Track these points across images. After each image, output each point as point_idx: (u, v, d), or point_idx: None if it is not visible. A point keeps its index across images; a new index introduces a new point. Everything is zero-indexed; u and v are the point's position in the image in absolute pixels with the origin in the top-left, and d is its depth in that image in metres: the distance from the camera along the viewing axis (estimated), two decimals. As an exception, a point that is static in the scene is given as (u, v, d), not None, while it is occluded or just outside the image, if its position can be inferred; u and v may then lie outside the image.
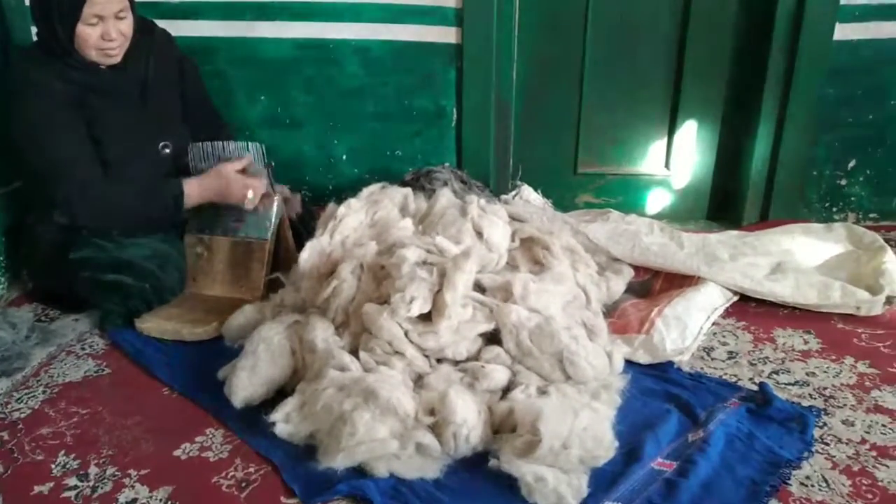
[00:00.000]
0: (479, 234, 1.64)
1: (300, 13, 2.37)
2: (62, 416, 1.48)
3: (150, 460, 1.34)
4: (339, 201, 2.57)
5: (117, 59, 1.83)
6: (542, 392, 1.38)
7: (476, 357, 1.46)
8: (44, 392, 1.57)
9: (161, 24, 2.03)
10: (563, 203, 2.51)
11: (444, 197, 1.77)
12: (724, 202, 2.62)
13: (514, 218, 1.78)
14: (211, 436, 1.41)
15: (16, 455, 1.37)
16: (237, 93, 2.48)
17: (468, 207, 1.69)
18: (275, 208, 1.87)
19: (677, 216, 2.64)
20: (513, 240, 1.71)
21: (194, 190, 1.84)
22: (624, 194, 2.66)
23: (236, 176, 1.84)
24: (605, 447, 1.26)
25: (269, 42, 2.41)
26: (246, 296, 1.87)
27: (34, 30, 1.87)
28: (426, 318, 1.45)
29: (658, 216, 2.63)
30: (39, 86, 1.74)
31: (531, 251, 1.70)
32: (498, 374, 1.40)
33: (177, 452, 1.37)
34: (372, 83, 2.45)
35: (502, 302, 1.51)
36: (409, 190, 1.85)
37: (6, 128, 1.80)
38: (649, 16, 2.43)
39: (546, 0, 2.40)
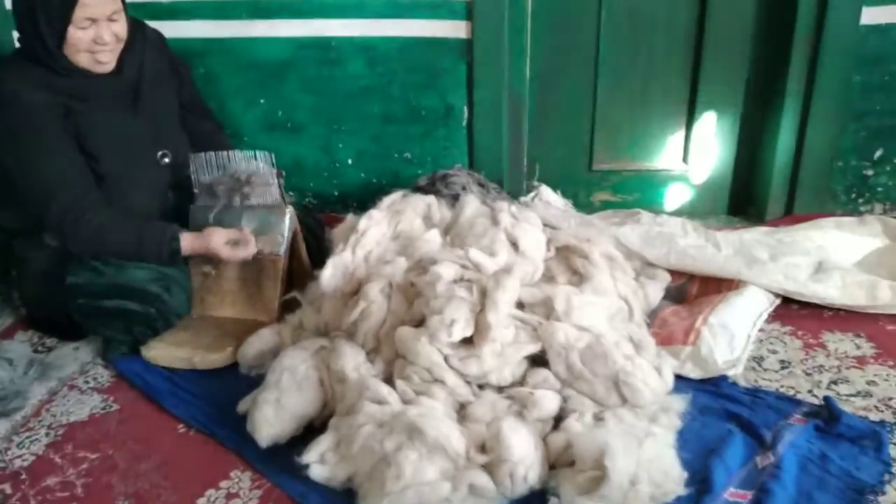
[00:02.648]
0: (514, 245, 1.52)
1: (299, 10, 2.23)
2: (70, 463, 1.35)
3: (172, 512, 1.22)
4: (347, 208, 2.48)
5: (110, 66, 1.70)
6: (598, 419, 1.27)
7: (521, 382, 1.35)
8: (47, 434, 1.44)
9: (151, 25, 1.89)
10: (578, 201, 2.41)
11: (471, 204, 1.65)
12: (745, 197, 2.52)
13: (545, 224, 1.66)
14: (237, 479, 1.29)
15: (21, 512, 1.24)
16: (234, 97, 2.34)
17: (499, 215, 1.57)
18: (287, 221, 1.74)
19: (697, 212, 2.54)
20: (548, 249, 1.59)
21: (187, 245, 1.70)
22: (641, 191, 2.56)
23: (224, 250, 1.69)
24: (675, 480, 1.16)
25: (267, 42, 2.27)
26: (260, 317, 1.74)
27: (16, 35, 1.73)
28: (466, 341, 1.33)
29: (677, 212, 2.54)
30: (21, 99, 1.60)
31: (568, 260, 1.58)
32: (548, 402, 1.29)
33: (201, 501, 1.25)
34: (377, 83, 2.32)
35: (544, 319, 1.39)
36: (432, 198, 1.73)
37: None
38: (665, 4, 2.31)
39: (559, -11, 2.28)
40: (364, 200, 2.46)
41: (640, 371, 1.31)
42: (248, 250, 1.70)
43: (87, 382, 1.61)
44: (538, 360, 1.38)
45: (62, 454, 1.37)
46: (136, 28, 1.75)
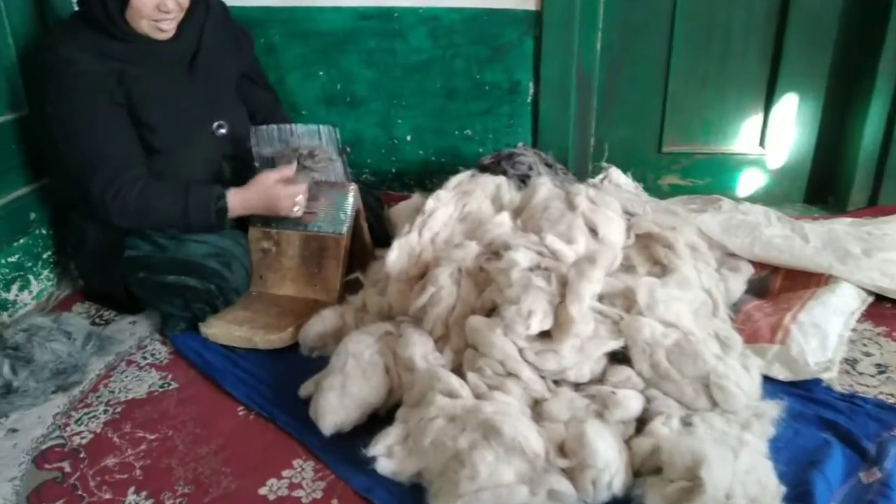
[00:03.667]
0: (592, 231, 1.42)
1: (364, -21, 2.15)
2: (128, 443, 1.31)
3: (233, 501, 1.17)
4: (404, 186, 2.41)
5: (170, 34, 1.64)
6: (687, 423, 1.18)
7: (600, 379, 1.26)
8: (105, 412, 1.40)
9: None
10: (645, 185, 2.27)
11: (544, 186, 1.55)
12: (825, 184, 2.37)
13: (624, 210, 1.56)
14: (300, 469, 1.23)
15: (80, 492, 1.20)
16: (292, 69, 2.27)
17: (576, 199, 1.48)
18: (350, 199, 1.67)
19: (772, 199, 2.40)
20: (627, 236, 1.49)
21: (236, 203, 1.64)
22: (713, 175, 2.43)
23: (278, 187, 1.63)
24: (773, 494, 1.06)
25: (329, 12, 2.20)
26: (320, 296, 1.68)
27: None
28: (542, 334, 1.25)
29: (750, 198, 2.40)
30: (75, 64, 1.54)
31: (649, 249, 1.48)
32: (632, 402, 1.20)
33: (263, 491, 1.19)
34: (440, 56, 2.23)
35: (625, 312, 1.30)
36: (502, 179, 1.63)
37: (40, 110, 1.62)
38: (747, -21, 2.17)
39: (636, -40, 2.16)
40: (422, 178, 2.40)
41: (733, 373, 1.21)
42: (297, 192, 1.63)
43: (144, 358, 1.58)
44: (618, 357, 1.29)
45: (121, 433, 1.34)
46: (197, -5, 1.68)
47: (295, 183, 1.64)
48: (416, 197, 1.60)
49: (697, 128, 2.39)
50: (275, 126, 1.70)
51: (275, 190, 1.63)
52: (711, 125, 2.38)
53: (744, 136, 2.38)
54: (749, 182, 2.42)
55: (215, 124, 1.77)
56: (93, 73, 1.56)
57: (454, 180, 1.61)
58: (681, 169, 2.44)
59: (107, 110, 1.58)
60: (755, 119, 2.35)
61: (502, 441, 1.07)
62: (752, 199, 2.39)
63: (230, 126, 1.79)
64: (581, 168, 2.34)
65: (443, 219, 1.51)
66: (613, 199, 1.52)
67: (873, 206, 2.26)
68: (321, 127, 1.67)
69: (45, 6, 1.79)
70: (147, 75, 1.63)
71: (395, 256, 1.45)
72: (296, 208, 1.65)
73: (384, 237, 1.92)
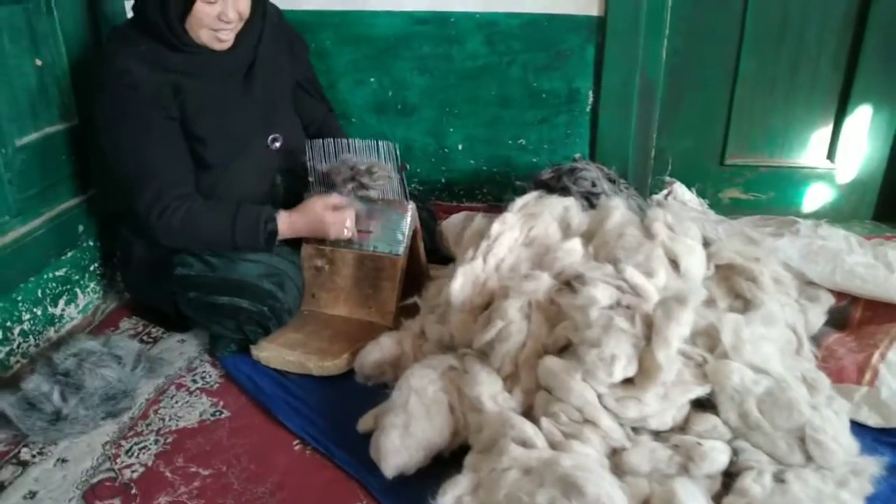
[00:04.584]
0: (673, 262, 1.33)
1: (419, -19, 2.07)
2: (181, 479, 1.25)
3: (295, 549, 1.11)
4: (453, 196, 2.34)
5: (229, 44, 1.57)
6: (779, 480, 1.09)
7: (682, 427, 1.17)
8: (156, 442, 1.35)
9: (268, -3, 1.76)
10: (705, 198, 2.18)
11: (618, 210, 1.46)
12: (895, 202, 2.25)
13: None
14: (362, 515, 1.17)
15: (133, 534, 1.15)
16: (343, 74, 2.21)
17: (654, 226, 1.39)
18: (408, 219, 1.60)
19: (839, 215, 2.30)
20: (707, 266, 1.40)
21: (285, 227, 1.59)
22: (777, 189, 2.32)
23: (328, 213, 1.58)
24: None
25: (382, 16, 2.12)
26: (375, 318, 1.62)
27: (129, 5, 1.63)
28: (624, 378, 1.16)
29: (816, 214, 2.31)
30: (131, 75, 1.49)
31: (730, 281, 1.39)
32: (719, 455, 1.11)
33: (325, 538, 1.13)
34: (496, 62, 2.15)
35: (708, 352, 1.21)
36: (571, 201, 1.55)
37: (90, 120, 1.57)
38: (824, -17, 2.06)
39: (707, -36, 2.05)
40: (472, 189, 2.33)
41: (830, 426, 1.12)
42: (345, 217, 1.58)
43: (194, 381, 1.52)
44: (702, 403, 1.20)
45: (173, 467, 1.28)
46: (257, 4, 1.61)
47: (345, 207, 1.57)
48: (478, 219, 1.51)
49: (762, 139, 2.28)
50: (331, 140, 1.64)
51: (324, 216, 1.58)
52: (777, 136, 2.27)
53: (811, 149, 2.27)
54: (815, 197, 2.31)
55: (270, 137, 1.71)
56: (148, 85, 1.50)
57: (520, 202, 1.52)
58: (743, 182, 2.33)
59: (159, 125, 1.53)
60: (824, 131, 2.24)
61: (585, 500, 0.99)
62: (819, 215, 2.29)
63: (285, 139, 1.73)
64: (641, 181, 2.25)
65: (508, 244, 1.43)
66: (692, 224, 1.42)
67: (950, 227, 2.14)
68: (380, 143, 1.60)
69: (98, 13, 1.74)
70: (202, 87, 1.58)
71: (460, 285, 1.37)
72: (346, 233, 1.60)
73: (436, 252, 1.86)
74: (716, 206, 2.22)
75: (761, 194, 2.33)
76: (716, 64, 2.17)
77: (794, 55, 2.15)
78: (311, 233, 1.62)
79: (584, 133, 2.21)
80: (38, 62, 1.61)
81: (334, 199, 1.59)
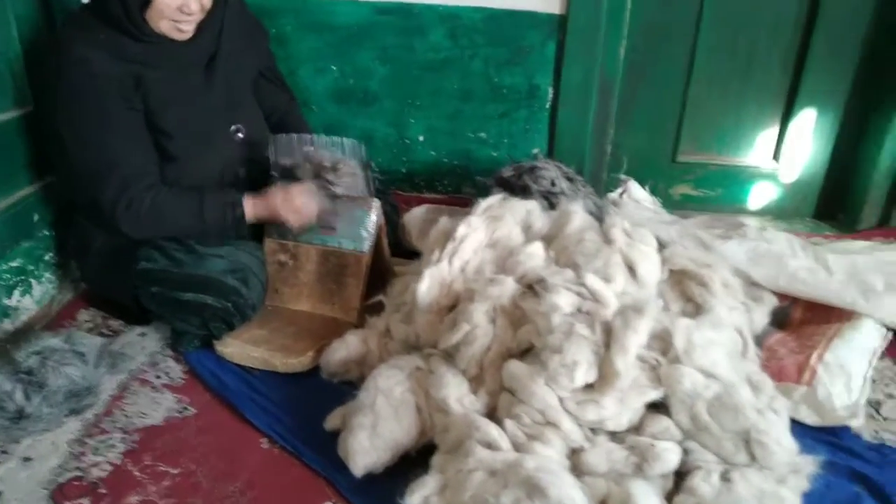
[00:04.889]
0: (630, 269, 1.39)
1: (383, -28, 2.06)
2: (150, 478, 1.27)
3: (266, 550, 1.14)
4: (414, 186, 2.36)
5: (189, 35, 1.55)
6: (725, 479, 1.17)
7: (637, 427, 1.24)
8: (122, 440, 1.35)
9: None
10: (656, 193, 2.24)
11: (578, 215, 1.51)
12: (836, 201, 2.37)
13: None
14: (332, 514, 1.21)
15: (104, 535, 1.16)
16: (305, 62, 2.19)
17: (611, 232, 1.44)
18: (373, 216, 1.62)
19: (782, 213, 2.41)
20: (661, 271, 1.46)
21: (250, 210, 1.60)
22: (725, 187, 2.42)
23: (288, 214, 1.60)
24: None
25: (344, 4, 2.11)
26: (338, 315, 1.64)
27: (85, -9, 1.59)
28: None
29: (761, 212, 2.42)
30: (90, 65, 1.46)
31: (682, 285, 1.46)
32: (671, 455, 1.18)
33: (295, 537, 1.16)
34: (458, 56, 2.17)
35: (661, 356, 1.28)
36: (533, 204, 1.59)
37: (47, 109, 1.53)
38: (777, -14, 2.13)
39: (665, -37, 2.10)
40: (433, 180, 2.35)
41: (774, 429, 1.20)
42: (308, 214, 1.60)
43: (158, 377, 1.53)
44: (655, 404, 1.27)
45: (141, 466, 1.29)
46: (219, -7, 1.59)
47: (306, 206, 1.59)
48: (443, 220, 1.54)
49: (713, 137, 2.36)
50: (295, 135, 1.64)
51: (284, 212, 1.59)
52: (727, 135, 2.35)
53: (758, 149, 2.36)
54: (760, 195, 2.41)
55: (233, 128, 1.70)
56: (109, 74, 1.48)
57: (484, 204, 1.56)
58: (694, 179, 2.42)
59: (122, 115, 1.51)
60: (771, 131, 2.33)
61: (548, 502, 1.05)
62: (763, 213, 2.40)
63: (247, 129, 1.72)
64: (596, 177, 2.31)
65: (473, 246, 1.47)
66: (648, 232, 1.48)
67: (884, 227, 2.26)
68: (345, 140, 1.61)
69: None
70: (164, 78, 1.56)
71: (427, 287, 1.40)
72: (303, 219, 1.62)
73: (399, 245, 1.89)
74: (667, 201, 2.30)
75: (710, 191, 2.43)
76: (671, 65, 2.24)
77: (747, 56, 2.22)
78: (272, 218, 1.62)
79: (542, 129, 2.25)
80: (-10, 47, 1.56)
81: (296, 194, 1.59)
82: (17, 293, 1.67)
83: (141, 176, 1.53)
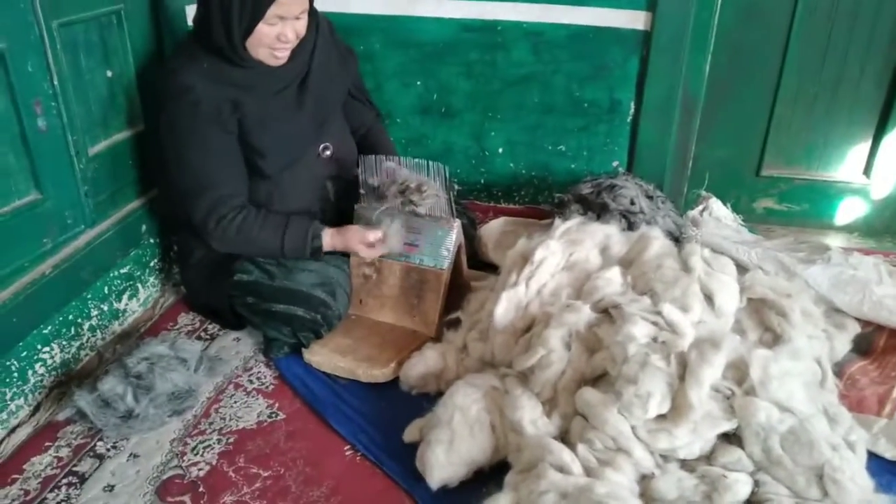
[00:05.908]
0: (708, 298, 1.41)
1: (468, -10, 2.11)
2: (243, 479, 1.37)
3: (351, 552, 1.22)
4: (491, 197, 2.41)
5: (284, 61, 1.65)
6: (797, 514, 1.17)
7: (708, 456, 1.26)
8: (219, 441, 1.46)
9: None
10: (739, 207, 2.23)
11: (657, 241, 1.53)
12: (929, 219, 2.29)
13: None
14: (409, 522, 1.28)
15: (204, 530, 1.27)
16: (391, 77, 2.27)
17: (691, 260, 1.45)
18: (453, 236, 1.68)
19: (871, 230, 2.35)
20: (739, 299, 1.47)
21: (328, 242, 1.69)
22: (811, 202, 2.37)
23: (362, 249, 1.68)
24: None
25: (431, 22, 2.18)
26: (419, 327, 1.72)
27: (190, 19, 1.71)
28: (656, 409, 1.25)
29: (848, 228, 2.36)
30: (192, 92, 1.57)
31: (760, 313, 1.46)
32: (741, 487, 1.20)
33: (378, 544, 1.24)
34: (540, 71, 2.20)
35: (736, 386, 1.29)
36: (613, 229, 1.61)
37: (155, 130, 1.66)
38: (871, 4, 2.07)
39: (754, -19, 2.07)
40: (510, 191, 2.39)
41: (849, 467, 1.19)
42: (377, 252, 1.68)
43: (251, 382, 1.64)
44: (727, 434, 1.28)
45: (235, 467, 1.40)
46: (311, 20, 1.68)
47: (378, 245, 1.67)
48: (522, 242, 1.58)
49: (800, 152, 2.32)
50: (383, 157, 1.71)
51: (358, 249, 1.68)
52: (815, 150, 2.31)
53: (848, 164, 2.30)
54: (849, 211, 2.35)
55: (321, 146, 1.79)
56: (209, 100, 1.59)
57: (562, 227, 1.59)
58: (778, 193, 2.38)
59: (218, 139, 1.62)
60: (862, 146, 2.27)
61: (617, 529, 1.09)
62: (851, 229, 2.35)
63: (335, 147, 1.81)
64: (676, 191, 2.30)
65: (550, 269, 1.51)
66: (729, 261, 1.49)
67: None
68: (430, 163, 1.67)
69: (162, 26, 1.82)
70: (259, 100, 1.66)
71: (503, 310, 1.45)
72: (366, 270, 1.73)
73: (475, 257, 1.95)
74: (750, 215, 2.28)
75: (795, 206, 2.38)
76: (757, 80, 2.21)
77: (837, 72, 2.18)
78: (348, 251, 1.72)
79: (623, 142, 2.26)
80: (109, 73, 1.70)
81: (370, 235, 1.67)
82: (125, 297, 1.82)
83: (231, 197, 1.64)
